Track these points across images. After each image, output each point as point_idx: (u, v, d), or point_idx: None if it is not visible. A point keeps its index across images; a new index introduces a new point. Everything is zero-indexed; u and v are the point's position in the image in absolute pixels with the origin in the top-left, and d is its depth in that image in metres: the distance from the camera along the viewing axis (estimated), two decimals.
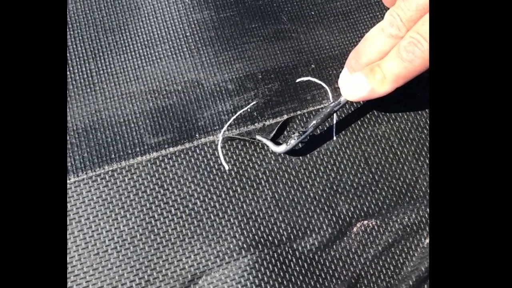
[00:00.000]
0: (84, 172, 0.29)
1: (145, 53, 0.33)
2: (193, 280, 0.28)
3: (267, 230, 0.29)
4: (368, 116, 0.32)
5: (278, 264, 0.28)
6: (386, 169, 0.31)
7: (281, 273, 0.28)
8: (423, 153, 0.31)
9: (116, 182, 0.29)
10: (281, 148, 0.29)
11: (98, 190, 0.29)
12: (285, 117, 0.31)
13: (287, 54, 0.33)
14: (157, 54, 0.32)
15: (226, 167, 0.30)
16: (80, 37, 0.33)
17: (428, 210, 0.30)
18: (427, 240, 0.30)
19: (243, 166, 0.30)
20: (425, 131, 0.32)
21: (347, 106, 0.32)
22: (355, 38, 0.34)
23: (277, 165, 0.30)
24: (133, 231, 0.28)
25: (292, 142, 0.29)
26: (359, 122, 0.32)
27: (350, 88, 0.28)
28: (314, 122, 0.29)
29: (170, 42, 0.33)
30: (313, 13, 0.35)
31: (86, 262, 0.27)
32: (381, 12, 0.35)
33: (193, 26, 0.33)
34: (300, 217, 0.29)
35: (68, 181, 0.29)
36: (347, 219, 0.29)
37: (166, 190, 0.29)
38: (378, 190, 0.30)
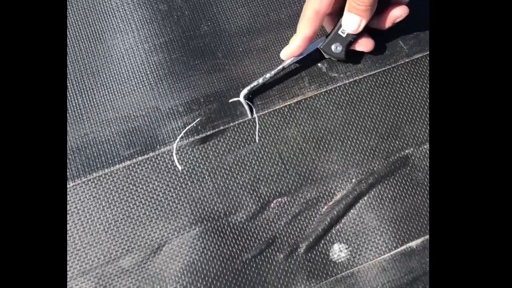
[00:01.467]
0: (79, 178, 0.41)
1: (118, 88, 0.45)
2: (159, 247, 0.40)
3: (209, 209, 0.41)
4: (281, 121, 0.44)
5: (218, 233, 0.40)
6: (294, 161, 0.43)
7: (220, 239, 0.40)
8: (321, 147, 0.43)
9: (102, 184, 0.41)
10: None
11: (90, 190, 0.41)
12: (221, 128, 0.44)
13: (222, 81, 0.45)
14: (126, 88, 0.45)
15: (179, 168, 0.42)
16: (70, 78, 0.45)
17: (324, 188, 0.42)
18: (324, 209, 0.42)
19: (191, 166, 0.42)
20: (323, 131, 0.44)
21: (261, 118, 0.44)
22: (273, 66, 0.46)
23: (216, 162, 0.42)
24: (116, 217, 0.40)
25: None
26: (274, 128, 0.44)
27: (349, 24, 0.42)
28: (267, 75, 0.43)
29: (135, 79, 0.45)
30: (241, 49, 0.47)
31: (83, 239, 0.40)
32: None
33: (152, 65, 0.46)
34: (233, 199, 0.41)
35: (68, 185, 0.41)
36: (267, 198, 0.42)
37: (137, 187, 0.41)
38: (288, 176, 0.42)
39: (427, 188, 0.42)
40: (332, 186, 0.42)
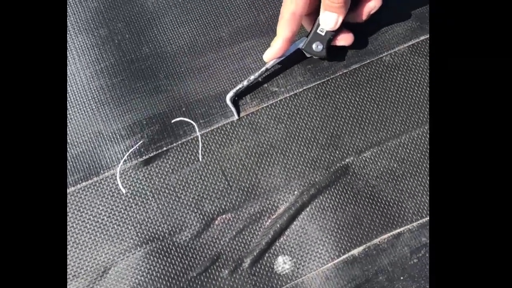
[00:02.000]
0: None
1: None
2: (105, 271, 0.40)
3: (154, 230, 0.42)
4: (224, 139, 0.45)
5: (163, 253, 0.41)
6: (237, 177, 0.44)
7: (165, 259, 0.41)
8: (264, 162, 0.44)
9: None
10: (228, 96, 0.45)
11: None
12: (165, 149, 0.44)
13: (164, 102, 0.46)
14: (68, 115, 0.45)
15: (123, 191, 0.43)
16: None
17: (267, 202, 0.43)
18: (267, 222, 0.43)
19: (135, 188, 0.43)
20: (265, 146, 0.45)
21: (204, 137, 0.45)
22: (215, 84, 0.47)
23: (160, 183, 0.43)
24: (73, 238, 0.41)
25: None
26: (217, 145, 0.45)
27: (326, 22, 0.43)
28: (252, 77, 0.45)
29: (77, 105, 0.46)
30: (182, 69, 0.48)
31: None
32: (234, 64, 0.48)
33: (93, 91, 0.46)
34: (177, 218, 0.42)
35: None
36: (211, 215, 0.42)
37: (82, 212, 0.42)
38: (232, 193, 0.43)
39: (367, 195, 0.43)
40: (275, 199, 0.43)
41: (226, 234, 0.42)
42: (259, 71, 0.45)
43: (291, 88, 0.47)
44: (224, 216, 0.43)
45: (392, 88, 0.47)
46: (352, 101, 0.47)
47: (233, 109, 0.45)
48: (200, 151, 0.44)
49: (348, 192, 0.44)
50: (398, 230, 0.43)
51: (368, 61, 0.48)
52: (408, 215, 0.43)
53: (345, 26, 0.45)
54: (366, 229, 0.42)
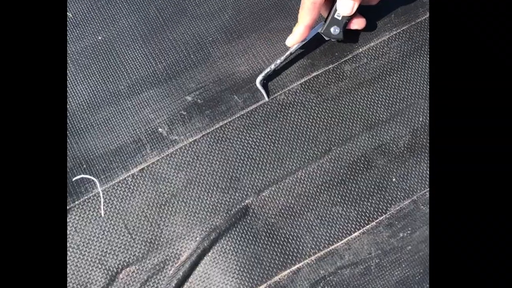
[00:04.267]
0: None
1: None
2: None
3: None
4: (125, 192, 0.46)
5: None
6: (140, 229, 0.45)
7: None
8: (166, 211, 0.46)
9: None
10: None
11: None
12: (67, 208, 0.45)
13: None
14: None
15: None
16: None
17: (170, 251, 0.44)
18: (171, 271, 0.44)
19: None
20: (166, 195, 0.46)
21: (105, 192, 0.46)
22: (114, 141, 0.48)
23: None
24: None
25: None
26: (119, 199, 0.46)
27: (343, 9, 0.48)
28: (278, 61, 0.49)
29: None
30: (82, 125, 0.49)
31: None
32: (133, 116, 0.49)
33: None
34: (82, 275, 0.43)
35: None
36: (115, 270, 0.44)
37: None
38: (135, 245, 0.44)
39: (267, 234, 0.45)
40: (178, 247, 0.45)
41: (131, 287, 0.43)
42: (284, 55, 0.50)
43: (190, 135, 0.49)
44: (128, 269, 0.44)
45: (287, 126, 0.49)
46: (250, 142, 0.48)
47: (263, 91, 0.50)
48: (102, 207, 0.45)
49: (248, 233, 0.45)
50: (297, 266, 0.45)
51: (263, 101, 0.50)
52: (306, 249, 0.45)
53: (359, 10, 0.49)
54: (267, 268, 0.44)
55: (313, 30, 0.50)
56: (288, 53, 0.50)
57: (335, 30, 0.49)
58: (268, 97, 0.50)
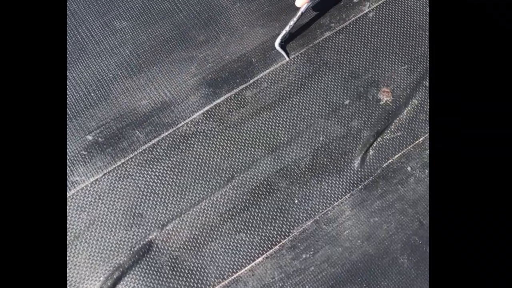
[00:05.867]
0: None
1: None
2: None
3: None
4: None
5: None
6: None
7: None
8: (68, 253, 0.45)
9: None
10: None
11: None
12: None
13: None
14: None
15: None
16: None
17: None
18: None
19: None
20: (69, 237, 0.46)
21: None
22: None
23: None
24: None
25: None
26: None
27: None
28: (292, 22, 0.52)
29: None
30: None
31: None
32: None
33: None
34: None
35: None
36: None
37: None
38: None
39: (171, 267, 0.46)
40: None
41: None
42: (296, 16, 0.52)
43: (91, 175, 0.49)
44: None
45: (190, 157, 0.50)
46: (153, 177, 0.49)
47: (283, 52, 0.54)
48: None
49: (152, 268, 0.46)
50: None
51: (166, 133, 0.51)
52: (210, 279, 0.46)
53: None
54: None
55: None
56: (299, 13, 0.52)
57: None
58: (288, 57, 0.54)
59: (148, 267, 0.46)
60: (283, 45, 0.54)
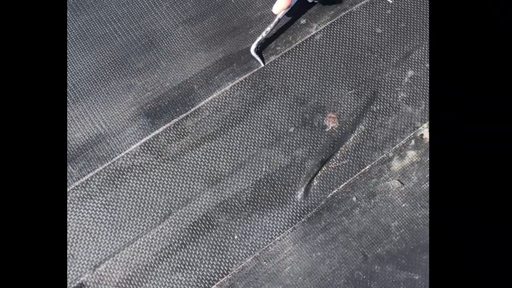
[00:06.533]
0: None
1: None
2: None
3: None
4: None
5: None
6: None
7: None
8: None
9: None
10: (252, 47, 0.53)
11: None
12: None
13: None
14: None
15: None
16: None
17: None
18: None
19: None
20: None
21: None
22: None
23: None
24: None
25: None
26: None
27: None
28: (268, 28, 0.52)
29: None
30: None
31: None
32: None
33: None
34: None
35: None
36: None
37: None
38: None
39: None
40: None
41: None
42: (273, 22, 0.52)
43: None
44: None
45: (125, 193, 0.48)
46: (85, 215, 0.47)
47: (258, 58, 0.53)
48: None
49: None
50: None
51: (100, 168, 0.48)
52: None
53: None
54: None
55: None
56: (276, 19, 0.52)
57: None
58: (264, 63, 0.53)
59: None
60: (259, 51, 0.54)
